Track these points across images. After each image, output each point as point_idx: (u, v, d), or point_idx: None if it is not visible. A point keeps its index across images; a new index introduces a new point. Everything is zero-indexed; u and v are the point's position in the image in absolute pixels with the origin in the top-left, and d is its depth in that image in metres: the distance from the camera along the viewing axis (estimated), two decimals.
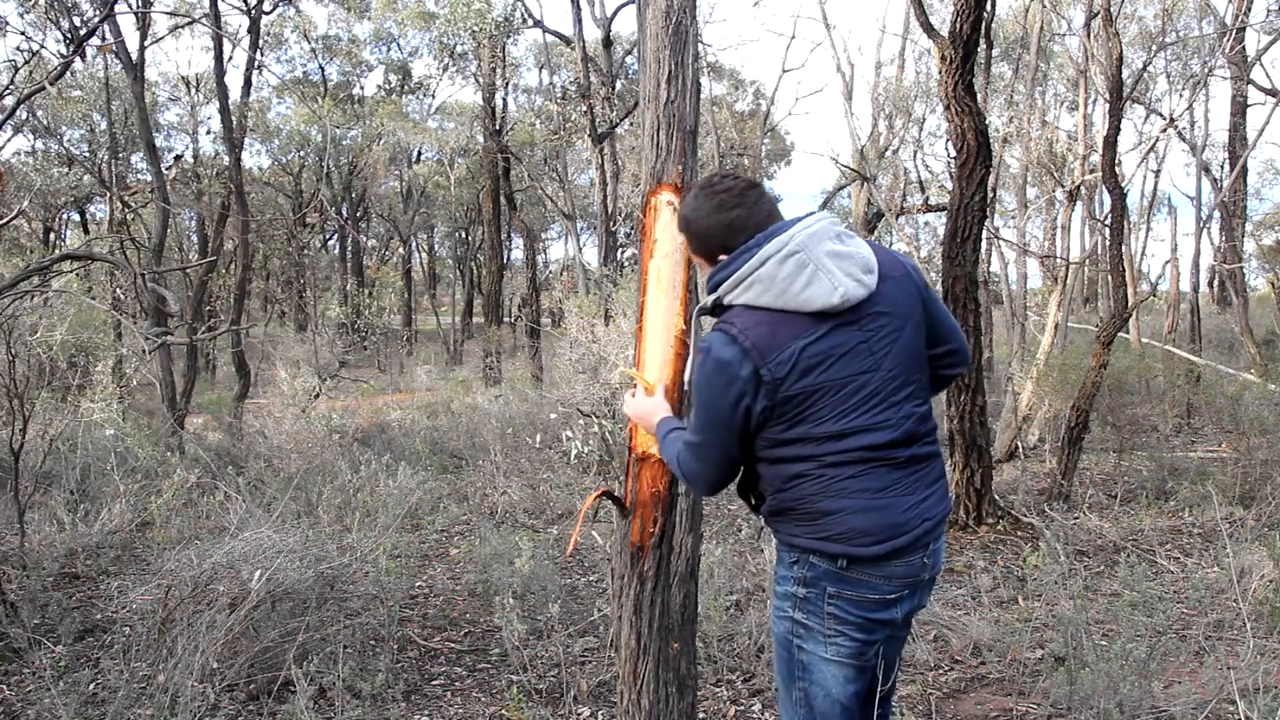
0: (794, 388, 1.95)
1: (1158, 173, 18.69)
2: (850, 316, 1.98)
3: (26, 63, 8.67)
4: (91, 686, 3.59)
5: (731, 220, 2.05)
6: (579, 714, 3.49)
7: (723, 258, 2.07)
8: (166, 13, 14.10)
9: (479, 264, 29.83)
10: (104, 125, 17.98)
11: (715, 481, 2.10)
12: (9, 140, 22.99)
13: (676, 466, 2.14)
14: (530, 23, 16.90)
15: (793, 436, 2.00)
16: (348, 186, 27.59)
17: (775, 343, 1.95)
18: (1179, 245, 15.36)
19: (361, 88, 27.50)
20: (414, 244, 34.25)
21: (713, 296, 2.08)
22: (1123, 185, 8.09)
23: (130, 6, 8.83)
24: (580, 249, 17.67)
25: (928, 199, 13.83)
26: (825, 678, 2.07)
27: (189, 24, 16.38)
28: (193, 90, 21.70)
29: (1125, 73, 8.09)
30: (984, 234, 6.45)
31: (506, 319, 24.02)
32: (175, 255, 20.85)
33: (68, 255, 5.34)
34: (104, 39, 9.46)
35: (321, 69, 25.73)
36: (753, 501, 2.21)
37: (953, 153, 6.20)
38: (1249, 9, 11.49)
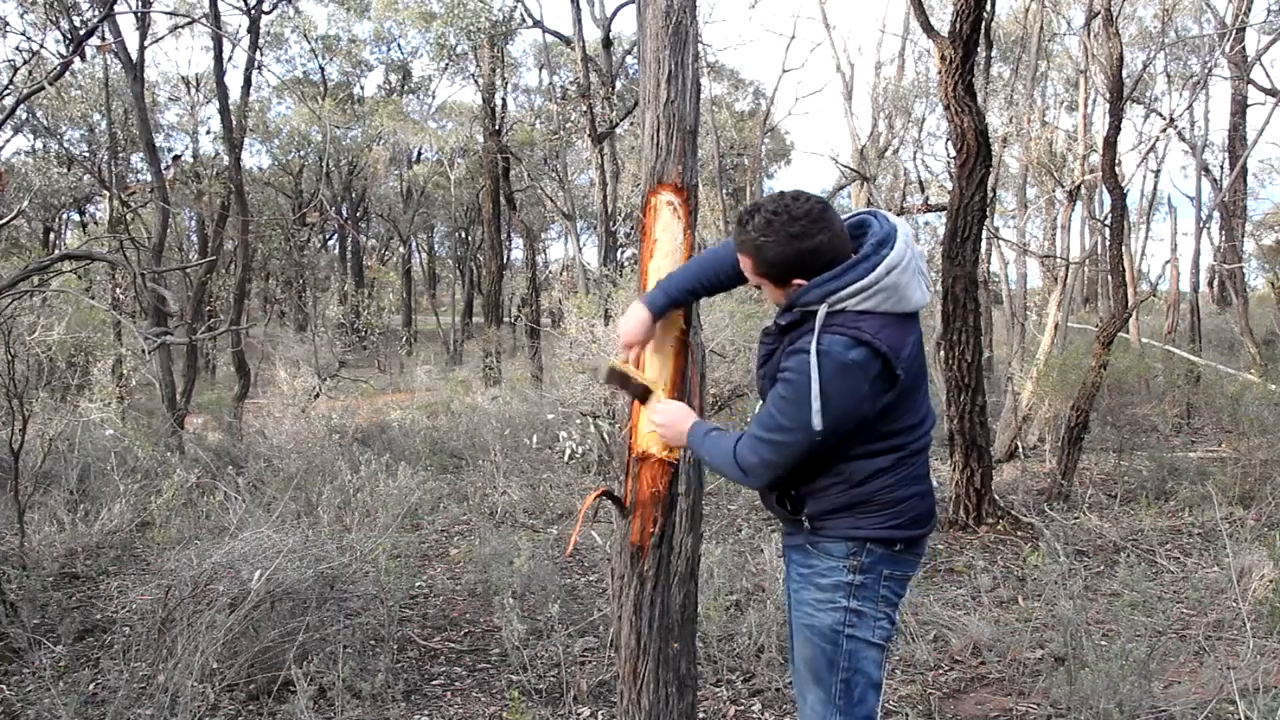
0: (907, 382, 2.09)
1: (1158, 173, 18.69)
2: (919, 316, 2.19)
3: (26, 63, 8.67)
4: (91, 686, 3.59)
5: (816, 247, 2.05)
6: (579, 714, 3.49)
7: (797, 282, 2.08)
8: (166, 13, 14.10)
9: (479, 264, 29.81)
10: (104, 125, 17.97)
11: (779, 476, 2.14)
12: (9, 140, 22.99)
13: (731, 460, 2.14)
14: (530, 23, 16.90)
15: (898, 428, 2.12)
16: (348, 186, 27.58)
17: (902, 342, 2.07)
18: (1179, 245, 15.35)
19: (361, 88, 27.51)
20: (414, 244, 34.25)
21: (821, 307, 2.04)
22: (1123, 185, 8.09)
23: (130, 6, 8.83)
24: (580, 249, 17.66)
25: (928, 199, 13.82)
26: (868, 663, 2.18)
27: (189, 24, 16.38)
28: (193, 90, 21.69)
29: (1125, 73, 8.08)
30: (984, 234, 6.45)
31: (506, 319, 24.02)
32: (175, 255, 20.83)
33: (67, 255, 5.33)
34: (104, 39, 9.45)
35: (321, 69, 25.72)
36: (788, 506, 2.22)
37: (953, 153, 6.20)
38: (1249, 9, 11.48)
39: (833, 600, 2.16)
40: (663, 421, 2.31)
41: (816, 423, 1.98)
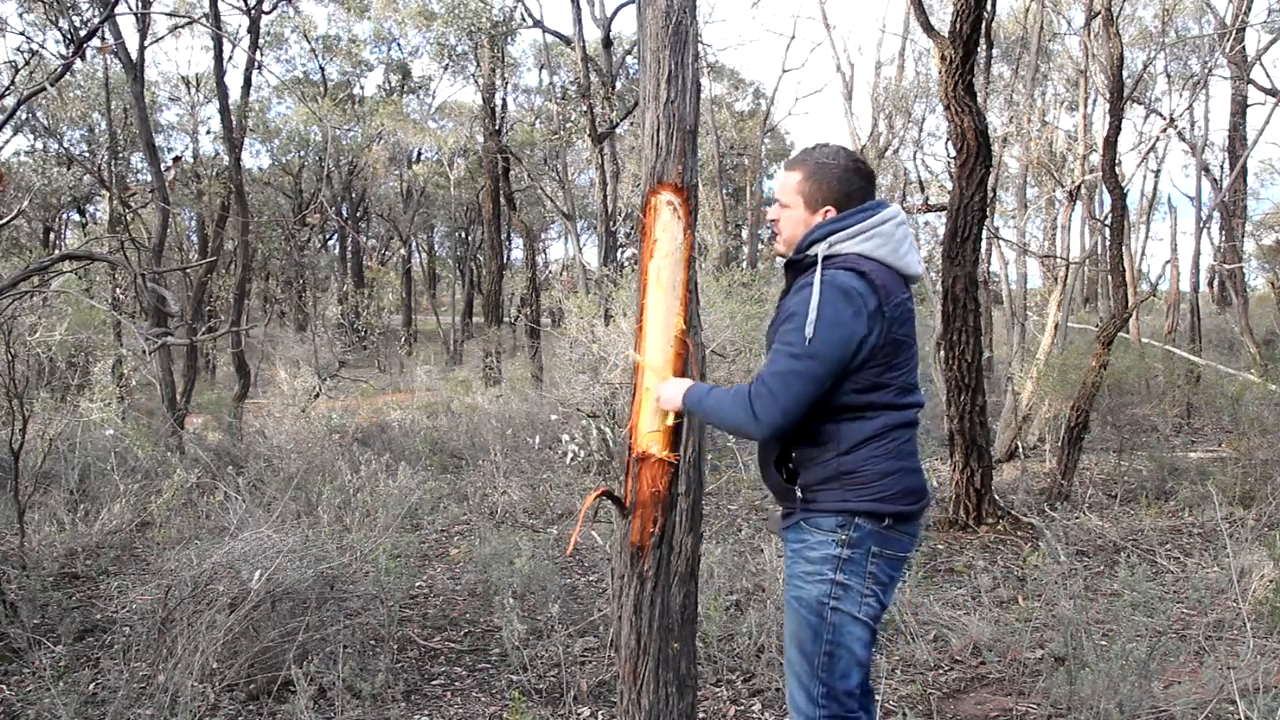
0: (895, 333, 2.19)
1: (1158, 173, 18.70)
2: (911, 290, 2.31)
3: (26, 63, 8.66)
4: (91, 686, 3.59)
5: (857, 188, 2.31)
6: (579, 714, 3.49)
7: (828, 210, 2.29)
8: (166, 13, 14.12)
9: (479, 264, 29.83)
10: (104, 125, 17.98)
11: (789, 417, 2.17)
12: (9, 140, 23.00)
13: (745, 403, 2.19)
14: (530, 23, 16.90)
15: (884, 381, 2.20)
16: (348, 186, 27.57)
17: (893, 287, 2.21)
18: (1179, 245, 15.35)
19: (361, 88, 27.51)
20: (414, 244, 34.25)
21: (822, 245, 2.24)
22: (1123, 185, 8.08)
23: (130, 7, 8.83)
24: (580, 249, 17.66)
25: (928, 199, 13.81)
26: (852, 639, 2.23)
27: (189, 24, 16.38)
28: (193, 90, 21.71)
29: (1125, 73, 8.08)
30: (984, 234, 6.44)
31: (506, 319, 24.02)
32: (175, 255, 20.84)
33: (67, 255, 5.33)
34: (104, 40, 9.45)
35: (321, 69, 25.74)
36: (784, 476, 2.29)
37: (953, 153, 6.20)
38: (1249, 9, 11.48)
39: (819, 573, 2.22)
40: (662, 394, 2.39)
41: (809, 330, 2.10)
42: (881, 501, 2.19)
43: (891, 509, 2.20)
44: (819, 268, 2.18)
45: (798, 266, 2.30)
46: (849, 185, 2.28)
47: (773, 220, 2.40)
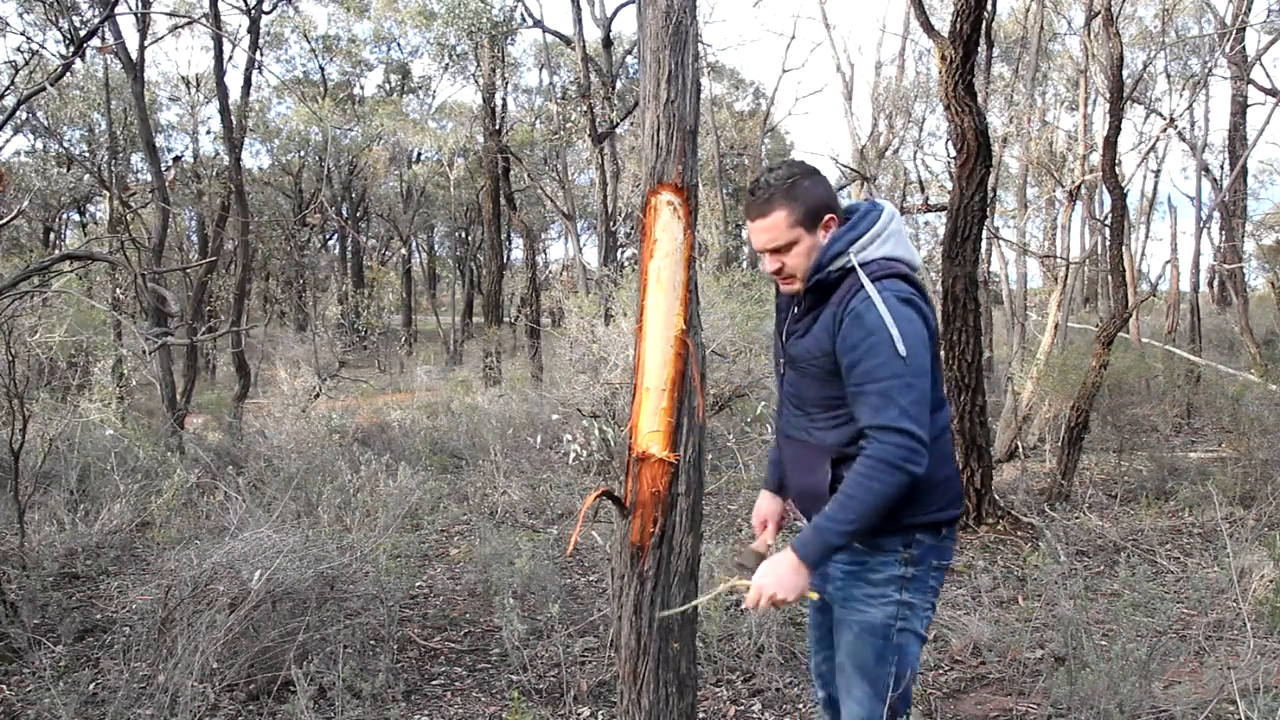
0: (933, 345, 2.14)
1: (1158, 173, 18.73)
2: None
3: (26, 63, 8.67)
4: (91, 686, 3.59)
5: (825, 182, 2.24)
6: (579, 714, 3.49)
7: (829, 219, 2.18)
8: (166, 13, 14.11)
9: (479, 264, 29.83)
10: (104, 125, 17.99)
11: (928, 442, 2.02)
12: (9, 140, 23.00)
13: (891, 474, 1.99)
14: (530, 22, 16.91)
15: (936, 393, 2.15)
16: (348, 186, 27.58)
17: (925, 295, 2.16)
18: (1179, 245, 15.36)
19: (361, 88, 27.54)
20: (414, 244, 34.25)
21: (851, 254, 2.12)
22: (1123, 185, 8.08)
23: (130, 7, 8.83)
24: (580, 249, 17.65)
25: (928, 199, 13.81)
26: (911, 657, 2.21)
27: (189, 24, 16.38)
28: (193, 90, 21.72)
29: (1125, 73, 8.08)
30: (984, 234, 6.44)
31: (506, 319, 24.02)
32: (175, 255, 20.85)
33: (68, 255, 5.32)
34: (104, 40, 9.45)
35: (321, 69, 25.74)
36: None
37: (953, 153, 6.20)
38: (1249, 9, 11.49)
39: (885, 594, 2.17)
40: (771, 580, 2.12)
41: (902, 349, 2.01)
42: (941, 510, 2.15)
43: (946, 516, 2.16)
44: (864, 279, 2.08)
45: (823, 284, 2.16)
46: (823, 184, 2.20)
47: (775, 270, 2.23)
